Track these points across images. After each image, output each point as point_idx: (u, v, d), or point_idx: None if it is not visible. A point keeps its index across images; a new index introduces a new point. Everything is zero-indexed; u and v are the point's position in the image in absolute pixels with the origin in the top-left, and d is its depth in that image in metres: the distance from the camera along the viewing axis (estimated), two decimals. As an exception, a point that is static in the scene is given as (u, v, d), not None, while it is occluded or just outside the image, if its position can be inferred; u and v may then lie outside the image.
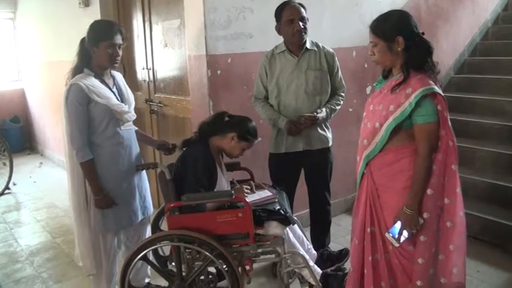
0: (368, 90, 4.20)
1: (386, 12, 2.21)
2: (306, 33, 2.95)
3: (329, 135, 3.12)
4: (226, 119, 2.67)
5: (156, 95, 4.19)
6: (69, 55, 2.67)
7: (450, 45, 5.21)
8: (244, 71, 3.42)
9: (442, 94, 2.05)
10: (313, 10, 3.07)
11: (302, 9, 2.93)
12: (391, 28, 2.10)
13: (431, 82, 2.05)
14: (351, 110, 4.01)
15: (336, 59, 3.10)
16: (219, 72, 3.32)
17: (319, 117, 2.93)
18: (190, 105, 3.60)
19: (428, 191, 2.06)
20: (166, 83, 4.05)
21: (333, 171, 3.21)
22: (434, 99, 2.03)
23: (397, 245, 2.10)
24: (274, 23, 3.00)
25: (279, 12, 2.96)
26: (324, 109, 2.99)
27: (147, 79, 4.26)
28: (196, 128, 2.72)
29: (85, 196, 2.62)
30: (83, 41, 2.61)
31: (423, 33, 2.14)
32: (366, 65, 4.14)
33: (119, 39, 2.57)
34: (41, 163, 6.91)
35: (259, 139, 2.76)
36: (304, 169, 3.19)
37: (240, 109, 3.09)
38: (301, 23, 2.89)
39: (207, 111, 3.30)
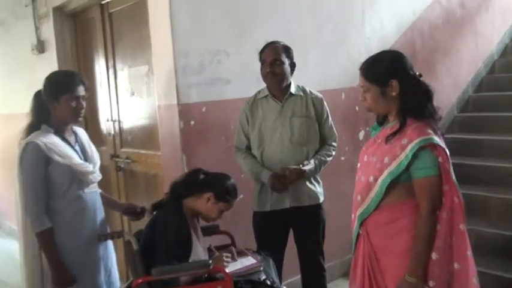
0: (361, 135, 4.26)
1: (377, 54, 2.26)
2: (277, 76, 2.97)
3: (319, 190, 3.13)
4: (202, 176, 2.66)
5: (122, 149, 4.20)
6: (22, 108, 2.67)
7: (451, 81, 5.32)
8: (221, 120, 3.45)
9: (443, 145, 2.06)
10: (297, 50, 3.14)
11: (278, 52, 2.97)
12: (384, 71, 2.15)
13: (429, 131, 2.06)
14: (343, 158, 4.05)
15: (325, 104, 3.15)
16: (192, 122, 3.34)
17: (306, 170, 2.95)
18: (161, 160, 3.60)
19: (433, 255, 2.03)
20: (134, 136, 4.07)
21: (326, 230, 3.20)
22: (434, 150, 2.04)
23: (400, 319, 2.06)
24: (252, 66, 3.08)
25: (260, 53, 3.05)
26: (312, 161, 3.01)
27: (112, 132, 4.28)
28: (168, 189, 2.71)
29: (41, 271, 2.57)
30: (37, 94, 2.62)
31: (420, 75, 2.17)
32: (357, 108, 4.22)
33: (81, 91, 2.59)
34: (-11, 232, 6.77)
35: (241, 196, 2.75)
36: (293, 229, 3.17)
37: (218, 163, 3.10)
38: (271, 66, 2.95)
39: (180, 167, 3.30)
